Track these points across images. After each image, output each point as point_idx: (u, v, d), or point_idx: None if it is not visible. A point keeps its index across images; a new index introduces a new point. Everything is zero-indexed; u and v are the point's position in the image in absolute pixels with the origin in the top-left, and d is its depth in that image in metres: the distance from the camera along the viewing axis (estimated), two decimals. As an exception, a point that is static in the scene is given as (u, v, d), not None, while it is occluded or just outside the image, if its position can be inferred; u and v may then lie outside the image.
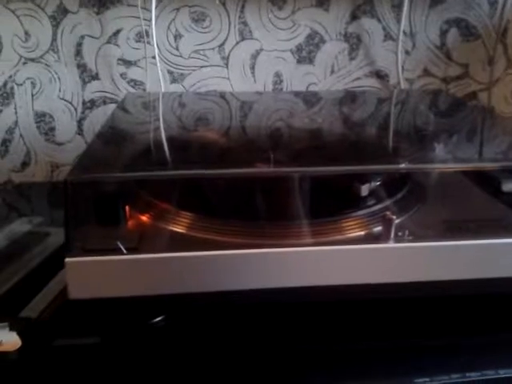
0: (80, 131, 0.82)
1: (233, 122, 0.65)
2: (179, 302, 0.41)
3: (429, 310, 0.47)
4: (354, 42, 0.82)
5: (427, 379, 0.46)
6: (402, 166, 0.47)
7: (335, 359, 0.46)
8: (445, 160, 0.50)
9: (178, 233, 0.43)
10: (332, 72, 0.83)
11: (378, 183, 0.46)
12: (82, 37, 0.77)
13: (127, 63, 0.79)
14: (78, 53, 0.78)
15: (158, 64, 0.77)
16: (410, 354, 0.47)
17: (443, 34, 0.83)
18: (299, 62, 0.82)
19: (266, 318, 0.45)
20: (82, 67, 0.79)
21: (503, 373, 0.46)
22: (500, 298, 0.47)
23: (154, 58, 0.77)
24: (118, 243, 0.38)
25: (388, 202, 0.45)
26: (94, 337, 0.43)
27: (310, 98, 0.77)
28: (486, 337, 0.47)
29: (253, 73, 0.81)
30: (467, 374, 0.46)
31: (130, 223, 0.42)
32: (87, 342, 0.43)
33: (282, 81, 0.83)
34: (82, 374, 0.41)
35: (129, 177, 0.44)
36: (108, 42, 0.78)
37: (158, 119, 0.66)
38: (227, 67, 0.81)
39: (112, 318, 0.44)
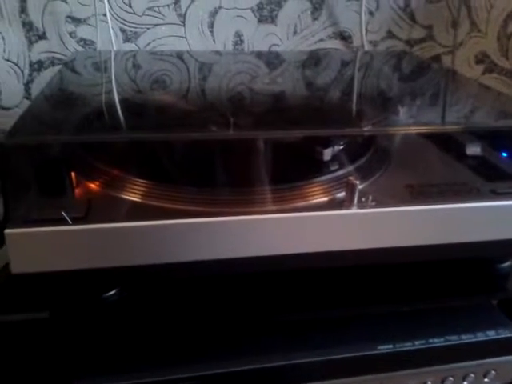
0: (28, 95, 0.76)
1: (191, 84, 0.62)
2: (132, 275, 0.38)
3: (393, 276, 0.46)
4: (317, 1, 0.79)
5: (391, 346, 0.45)
6: (365, 129, 0.45)
7: (298, 328, 0.45)
8: (409, 123, 0.49)
9: (131, 201, 0.40)
10: (295, 33, 0.80)
11: (341, 147, 0.44)
12: (26, -9, 0.72)
13: (76, 21, 0.74)
14: (23, 10, 0.72)
15: (110, 21, 0.73)
16: (373, 321, 0.47)
17: (407, -6, 0.81)
18: (260, 21, 0.78)
19: (227, 289, 0.44)
20: (27, 25, 0.73)
21: (466, 338, 0.47)
22: (463, 263, 0.47)
23: (104, 15, 0.72)
24: (63, 213, 0.35)
25: (351, 167, 0.43)
26: (44, 312, 0.41)
27: (272, 60, 0.74)
28: (448, 303, 0.47)
29: (211, 32, 0.77)
30: (430, 340, 0.46)
31: (78, 191, 0.39)
32: (34, 318, 0.40)
33: (242, 41, 0.79)
34: (30, 350, 0.39)
35: (75, 139, 0.41)
36: (55, -3, 0.72)
37: (110, 80, 0.62)
38: (184, 25, 0.76)
39: (63, 292, 0.41)
